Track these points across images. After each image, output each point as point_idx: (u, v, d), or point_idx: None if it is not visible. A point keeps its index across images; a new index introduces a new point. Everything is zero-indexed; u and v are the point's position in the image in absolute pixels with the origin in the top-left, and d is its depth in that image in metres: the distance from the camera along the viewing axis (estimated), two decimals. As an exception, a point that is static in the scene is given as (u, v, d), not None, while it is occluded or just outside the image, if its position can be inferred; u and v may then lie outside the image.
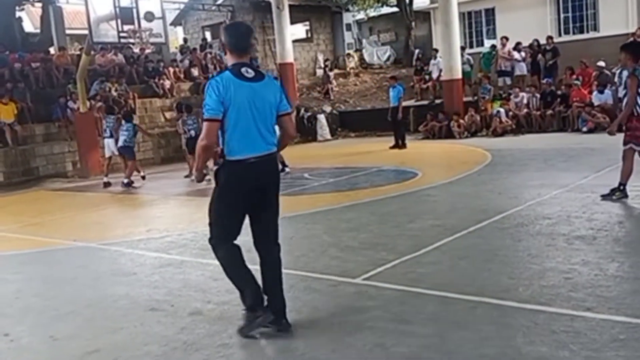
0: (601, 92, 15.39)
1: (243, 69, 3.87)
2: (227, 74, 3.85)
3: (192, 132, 12.51)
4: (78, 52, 18.75)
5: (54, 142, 16.02)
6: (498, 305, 4.19)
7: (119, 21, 13.52)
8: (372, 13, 27.61)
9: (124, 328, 4.39)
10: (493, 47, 19.36)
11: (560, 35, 19.88)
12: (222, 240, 4.02)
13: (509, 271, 4.93)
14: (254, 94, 3.83)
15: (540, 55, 17.86)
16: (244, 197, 3.90)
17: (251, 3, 25.11)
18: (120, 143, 12.88)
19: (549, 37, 18.15)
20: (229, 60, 3.98)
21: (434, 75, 19.58)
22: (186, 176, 12.91)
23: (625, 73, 7.22)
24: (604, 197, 7.22)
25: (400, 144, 15.54)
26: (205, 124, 3.77)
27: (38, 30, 24.55)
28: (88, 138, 15.30)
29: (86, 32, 14.77)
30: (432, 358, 3.48)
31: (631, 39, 16.80)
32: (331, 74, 24.70)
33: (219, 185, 3.93)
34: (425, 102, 19.55)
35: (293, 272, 5.35)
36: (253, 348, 3.83)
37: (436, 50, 19.79)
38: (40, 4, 23.10)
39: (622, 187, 7.20)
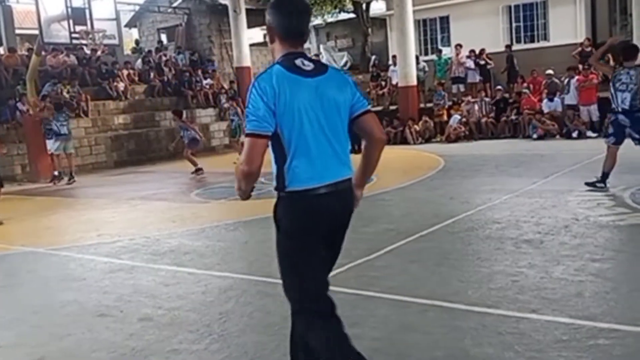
0: (551, 99, 15.83)
1: (298, 61, 2.76)
2: (278, 69, 2.73)
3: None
4: (27, 53, 18.28)
5: (3, 144, 15.54)
6: (448, 308, 4.26)
7: (71, 22, 13.26)
8: (329, 19, 27.76)
9: (71, 334, 4.30)
10: (439, 55, 19.82)
11: (512, 44, 20.37)
12: (311, 301, 2.88)
13: (459, 274, 5.02)
14: (318, 93, 2.75)
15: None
16: (319, 240, 2.85)
17: (208, 6, 24.91)
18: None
19: (508, 46, 18.73)
20: (277, 51, 2.85)
21: (394, 82, 19.78)
22: (193, 172, 13.40)
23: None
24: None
25: (356, 149, 15.58)
26: (246, 141, 2.68)
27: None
28: (38, 141, 14.90)
29: (37, 32, 14.47)
30: (382, 361, 3.51)
31: (579, 49, 17.43)
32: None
33: (283, 232, 2.82)
34: (380, 108, 19.73)
35: (246, 277, 5.34)
36: (202, 354, 3.79)
37: (395, 57, 20.02)
38: (-11, 3, 22.45)
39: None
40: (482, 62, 18.48)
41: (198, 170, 13.25)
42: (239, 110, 14.59)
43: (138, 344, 4.01)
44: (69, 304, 5.02)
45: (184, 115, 14.41)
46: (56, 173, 13.82)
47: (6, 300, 5.40)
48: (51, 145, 13.98)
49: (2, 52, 19.39)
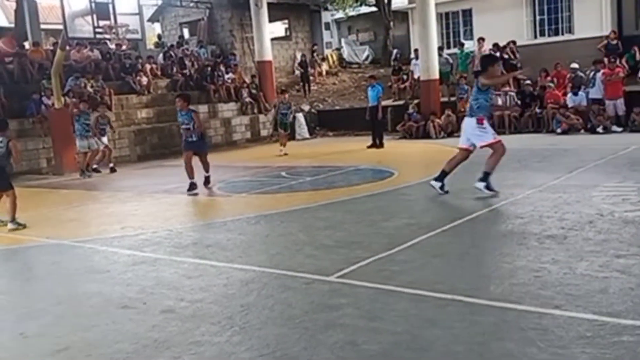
0: (575, 94, 15.61)
1: None
2: None
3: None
4: (52, 47, 18.50)
5: (28, 138, 15.77)
6: (469, 302, 4.24)
7: (95, 16, 13.38)
8: (351, 12, 27.65)
9: (95, 325, 4.36)
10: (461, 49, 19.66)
11: (535, 37, 20.10)
12: None
13: (481, 269, 4.99)
14: None
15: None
16: None
17: (229, 0, 24.99)
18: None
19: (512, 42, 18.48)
20: None
21: (415, 76, 19.65)
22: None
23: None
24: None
25: (378, 144, 15.61)
26: None
27: (12, 25, 24.16)
28: (63, 135, 15.11)
29: (61, 27, 14.62)
30: (403, 355, 3.51)
31: (605, 41, 17.17)
32: (311, 70, 24.76)
33: None
34: (401, 102, 19.65)
35: (267, 270, 5.36)
36: (224, 346, 3.82)
37: (417, 51, 19.89)
38: (14, -2, 22.74)
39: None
40: (506, 56, 18.24)
41: (192, 187, 10.23)
42: (292, 105, 14.84)
43: (160, 335, 4.05)
44: (93, 295, 5.09)
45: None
46: (95, 166, 14.31)
47: (31, 291, 5.49)
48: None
49: (28, 47, 19.63)
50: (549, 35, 20.19)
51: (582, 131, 15.00)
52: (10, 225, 8.21)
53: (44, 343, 4.11)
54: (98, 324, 4.39)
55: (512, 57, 18.27)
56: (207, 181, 10.78)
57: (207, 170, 10.82)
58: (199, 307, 4.56)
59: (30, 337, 4.27)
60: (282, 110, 15.95)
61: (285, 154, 15.04)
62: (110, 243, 6.99)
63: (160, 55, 22.10)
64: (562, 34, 19.92)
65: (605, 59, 15.71)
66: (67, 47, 16.43)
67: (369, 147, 15.55)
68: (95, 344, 4.01)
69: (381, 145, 15.56)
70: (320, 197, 8.96)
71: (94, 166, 14.48)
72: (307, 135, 20.44)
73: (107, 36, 14.57)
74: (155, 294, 4.97)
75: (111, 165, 14.72)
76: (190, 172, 10.32)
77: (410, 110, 17.97)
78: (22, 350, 4.04)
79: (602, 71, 15.28)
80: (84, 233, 7.69)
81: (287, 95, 16.69)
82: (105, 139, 14.91)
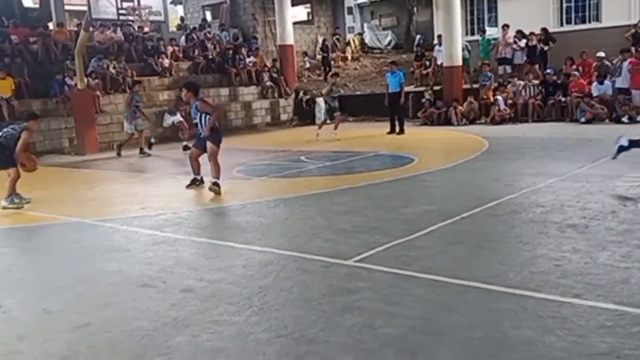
0: (601, 83, 15.35)
1: None
2: None
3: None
4: (76, 29, 18.61)
5: (51, 118, 15.93)
6: (487, 290, 4.22)
7: (119, -2, 13.43)
8: (374, -3, 27.43)
9: (115, 303, 4.42)
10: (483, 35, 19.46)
11: (562, 24, 19.75)
12: None
13: (500, 257, 4.96)
14: None
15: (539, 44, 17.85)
16: None
17: (252, -17, 24.91)
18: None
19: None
20: None
21: (439, 62, 19.47)
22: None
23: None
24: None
25: (398, 130, 15.52)
26: None
27: (37, 6, 24.36)
28: (85, 115, 15.25)
29: (85, 8, 14.70)
30: (420, 340, 3.51)
31: (633, 30, 16.84)
32: (333, 55, 24.64)
33: None
34: (423, 88, 19.50)
35: (286, 252, 5.39)
36: (242, 326, 3.85)
37: (440, 37, 19.69)
38: (39, -21, 22.92)
39: None
40: (534, 43, 17.92)
41: (192, 182, 9.14)
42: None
43: (180, 314, 4.10)
44: (113, 273, 5.15)
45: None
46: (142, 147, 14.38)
47: (54, 268, 5.57)
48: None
49: (52, 28, 19.79)
50: (576, 23, 19.84)
51: (607, 121, 14.78)
52: (3, 203, 8.27)
53: (65, 319, 4.17)
54: (118, 301, 4.45)
55: (542, 44, 17.88)
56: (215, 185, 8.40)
57: (214, 175, 8.49)
58: (218, 287, 4.60)
59: (52, 312, 4.33)
60: (333, 94, 15.70)
61: (338, 139, 14.63)
62: (130, 223, 7.06)
63: (183, 38, 22.14)
64: (589, 21, 19.57)
65: (633, 48, 15.43)
66: (91, 29, 16.51)
67: (389, 133, 15.47)
68: (115, 321, 4.07)
69: (402, 132, 15.46)
70: (339, 182, 8.95)
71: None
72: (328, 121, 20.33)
73: (131, 18, 14.63)
74: (174, 274, 5.02)
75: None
76: (195, 168, 9.04)
77: (427, 97, 17.83)
78: (43, 325, 4.11)
79: (629, 60, 15.01)
80: (105, 212, 7.77)
81: (337, 79, 16.43)
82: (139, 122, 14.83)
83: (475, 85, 18.18)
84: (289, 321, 3.86)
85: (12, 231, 7.24)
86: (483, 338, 3.48)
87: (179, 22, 27.52)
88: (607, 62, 15.98)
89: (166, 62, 19.62)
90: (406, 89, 16.56)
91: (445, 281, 4.42)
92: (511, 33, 18.27)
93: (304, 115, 20.52)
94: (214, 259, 5.36)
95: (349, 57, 26.02)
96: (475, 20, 22.18)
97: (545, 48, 17.76)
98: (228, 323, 3.90)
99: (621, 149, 7.69)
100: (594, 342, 3.33)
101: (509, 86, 17.07)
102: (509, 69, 18.42)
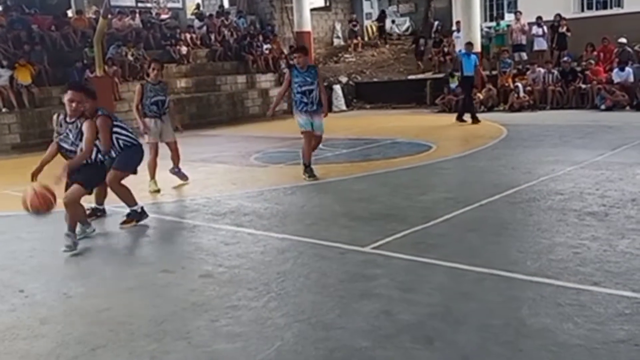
0: (622, 69, 15.15)
1: None
2: None
3: None
4: (95, 16, 18.71)
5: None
6: (505, 277, 4.21)
7: (137, -15, 13.47)
8: (392, -17, 27.22)
9: (135, 288, 4.48)
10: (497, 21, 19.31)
11: (583, 10, 19.50)
12: None
13: (518, 245, 4.94)
14: None
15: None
16: None
17: (270, -30, 24.82)
18: None
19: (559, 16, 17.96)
20: None
21: (457, 48, 19.30)
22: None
23: None
24: None
25: (473, 119, 14.06)
26: None
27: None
28: (104, 102, 15.32)
29: (104, -5, 14.75)
30: (437, 327, 3.52)
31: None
32: (349, 42, 24.54)
33: None
34: (441, 75, 19.36)
35: (303, 239, 5.41)
36: (261, 311, 3.89)
37: (459, 23, 19.52)
38: (58, -33, 23.01)
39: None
40: (563, 30, 17.65)
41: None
42: None
43: (199, 299, 4.14)
44: (133, 259, 5.21)
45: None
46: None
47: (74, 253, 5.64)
48: None
49: (71, 15, 19.91)
50: (597, 9, 19.56)
51: (628, 108, 14.59)
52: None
53: (87, 303, 4.24)
54: (138, 286, 4.51)
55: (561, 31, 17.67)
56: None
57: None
58: (237, 272, 4.64)
59: (74, 297, 4.41)
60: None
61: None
62: (149, 209, 7.09)
63: (199, 24, 22.15)
64: (611, 7, 19.28)
65: (655, 34, 15.19)
66: (109, 16, 16.59)
67: (473, 123, 13.96)
68: (136, 305, 4.13)
69: (476, 120, 14.01)
70: (356, 169, 8.95)
71: None
72: (344, 107, 20.34)
73: (149, 5, 14.68)
74: (193, 259, 5.07)
75: None
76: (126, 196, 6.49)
77: (452, 85, 17.64)
78: (65, 309, 4.18)
79: (651, 46, 14.79)
80: (124, 199, 7.83)
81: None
82: None
83: (494, 72, 18.01)
84: (307, 307, 3.89)
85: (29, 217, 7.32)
86: (501, 325, 3.48)
87: (195, 9, 27.54)
88: (628, 49, 15.75)
89: (184, 49, 19.66)
90: (423, 75, 16.36)
91: (462, 268, 4.42)
92: (524, 20, 18.09)
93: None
94: (232, 245, 5.40)
95: (366, 44, 25.86)
96: (495, 7, 21.95)
97: (568, 34, 17.54)
98: (246, 308, 3.94)
99: None
100: (612, 329, 3.32)
101: (528, 73, 16.89)
102: (524, 55, 18.25)
